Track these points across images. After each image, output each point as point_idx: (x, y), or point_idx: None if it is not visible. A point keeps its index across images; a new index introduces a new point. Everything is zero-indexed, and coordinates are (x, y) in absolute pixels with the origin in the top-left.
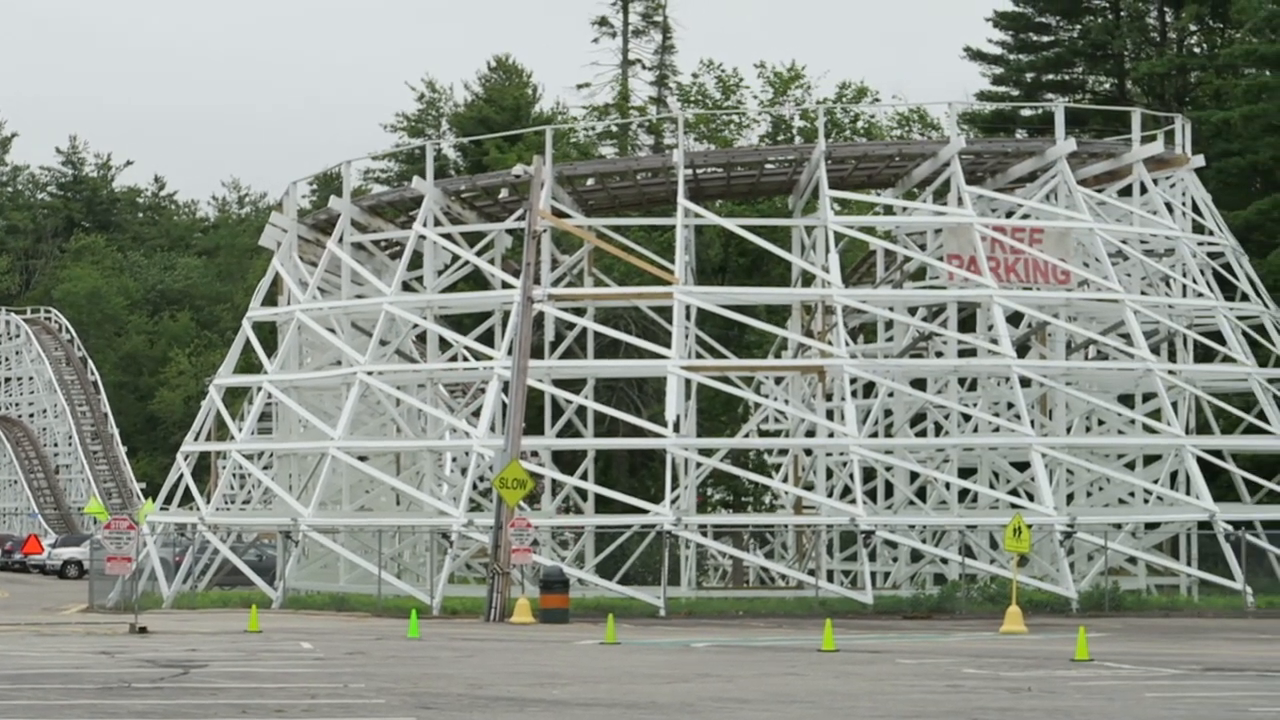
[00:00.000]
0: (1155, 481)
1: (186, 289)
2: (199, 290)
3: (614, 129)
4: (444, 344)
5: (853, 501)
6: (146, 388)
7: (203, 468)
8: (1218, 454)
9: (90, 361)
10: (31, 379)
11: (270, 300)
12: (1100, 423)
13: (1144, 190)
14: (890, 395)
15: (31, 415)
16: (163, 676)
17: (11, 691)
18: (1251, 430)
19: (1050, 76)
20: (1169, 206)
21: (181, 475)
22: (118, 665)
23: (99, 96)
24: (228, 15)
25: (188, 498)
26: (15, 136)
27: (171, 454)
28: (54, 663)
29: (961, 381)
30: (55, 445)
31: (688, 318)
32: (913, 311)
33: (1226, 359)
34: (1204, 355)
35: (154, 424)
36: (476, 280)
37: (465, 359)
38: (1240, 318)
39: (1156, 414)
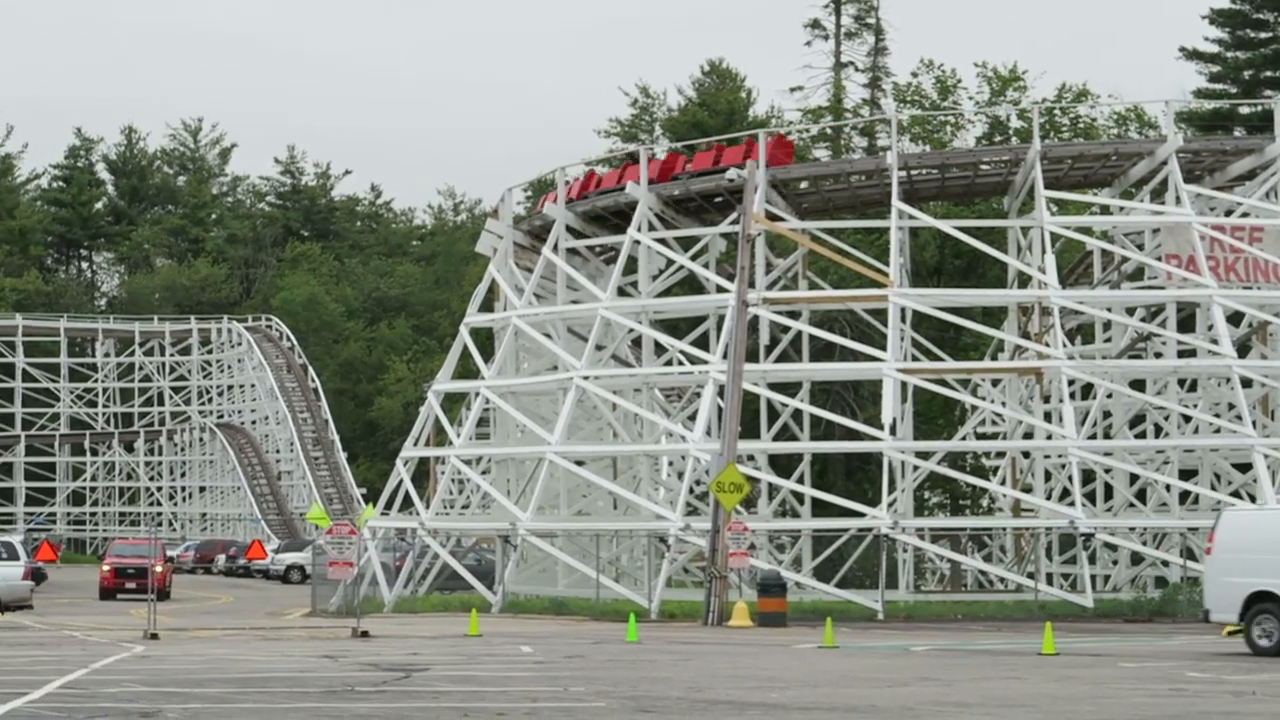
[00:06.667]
0: None
1: (403, 296)
2: (416, 297)
3: (828, 132)
4: (659, 348)
5: (1071, 504)
6: (365, 394)
7: (422, 473)
8: None
9: (310, 368)
10: (254, 386)
11: (487, 306)
12: None
13: None
14: (1109, 396)
15: (254, 422)
16: (385, 680)
17: (238, 695)
18: None
19: (1269, 73)
20: None
21: (401, 480)
22: (341, 669)
23: (312, 118)
24: (439, 33)
25: (407, 503)
26: (235, 147)
27: (391, 459)
28: (279, 666)
29: (1181, 382)
30: (277, 451)
31: (903, 320)
32: (1131, 312)
33: None
34: None
35: (373, 430)
36: (691, 284)
37: (681, 363)
38: None
39: None
